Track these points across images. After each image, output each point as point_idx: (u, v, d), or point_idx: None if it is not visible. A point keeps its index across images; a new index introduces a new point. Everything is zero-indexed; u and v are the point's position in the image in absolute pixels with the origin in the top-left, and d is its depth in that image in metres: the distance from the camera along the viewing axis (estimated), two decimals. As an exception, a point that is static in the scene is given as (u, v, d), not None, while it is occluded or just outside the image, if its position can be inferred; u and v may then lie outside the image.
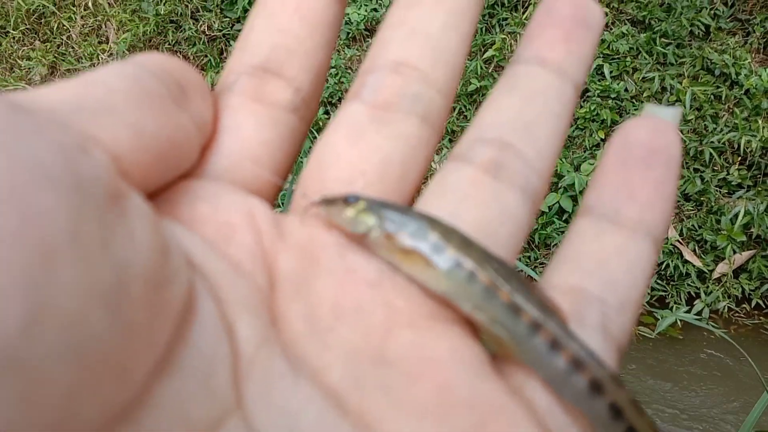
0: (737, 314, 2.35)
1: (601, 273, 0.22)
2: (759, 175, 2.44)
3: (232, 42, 2.69)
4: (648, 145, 0.23)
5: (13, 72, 2.83)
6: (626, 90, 2.54)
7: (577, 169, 2.31)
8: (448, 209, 0.23)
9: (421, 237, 0.21)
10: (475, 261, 0.21)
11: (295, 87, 0.24)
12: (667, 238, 2.37)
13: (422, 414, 0.19)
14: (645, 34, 2.52)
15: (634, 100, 2.52)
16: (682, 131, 2.43)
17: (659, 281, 2.39)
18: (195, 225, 0.21)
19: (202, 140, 0.22)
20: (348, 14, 2.56)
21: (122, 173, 0.17)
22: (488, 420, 0.19)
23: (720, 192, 2.44)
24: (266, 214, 0.22)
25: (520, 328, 0.20)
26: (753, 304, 2.37)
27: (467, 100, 2.46)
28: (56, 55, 2.84)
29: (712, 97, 2.50)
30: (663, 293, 2.37)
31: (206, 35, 2.72)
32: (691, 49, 2.55)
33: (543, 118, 0.24)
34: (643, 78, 2.54)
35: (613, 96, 2.52)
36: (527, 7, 2.53)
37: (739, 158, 2.45)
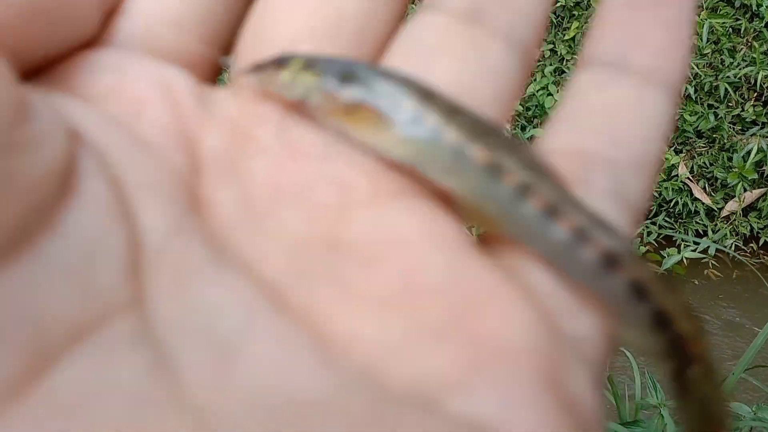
0: (743, 254, 2.32)
1: (610, 129, 0.18)
2: (775, 112, 2.38)
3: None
4: None
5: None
6: (641, 22, 2.44)
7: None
8: (413, 65, 0.18)
9: (371, 89, 0.17)
10: (440, 113, 0.17)
11: None
12: (677, 176, 2.33)
13: (383, 306, 0.15)
14: (663, -38, 2.41)
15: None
16: (697, 65, 2.35)
17: (667, 219, 2.36)
18: (96, 100, 0.17)
19: (104, 1, 0.18)
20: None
21: None
22: (470, 307, 0.15)
23: (733, 129, 2.37)
24: (187, 86, 0.18)
25: (504, 194, 0.16)
26: (761, 242, 2.34)
27: None
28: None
29: (731, 29, 2.40)
30: (671, 230, 2.34)
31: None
32: (711, -23, 2.44)
33: None
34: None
35: (627, 28, 2.42)
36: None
37: (755, 94, 2.38)
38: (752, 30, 2.39)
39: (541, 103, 2.38)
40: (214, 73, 0.20)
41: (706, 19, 2.39)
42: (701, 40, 2.39)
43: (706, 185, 2.37)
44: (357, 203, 0.16)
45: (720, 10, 2.43)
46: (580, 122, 0.18)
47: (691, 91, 2.33)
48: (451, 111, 0.16)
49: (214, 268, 0.15)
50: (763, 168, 2.30)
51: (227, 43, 0.20)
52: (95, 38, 0.18)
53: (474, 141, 0.16)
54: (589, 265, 0.15)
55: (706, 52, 2.38)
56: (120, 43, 0.18)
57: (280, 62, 0.18)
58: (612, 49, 0.19)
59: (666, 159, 2.32)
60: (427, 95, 0.17)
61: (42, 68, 0.17)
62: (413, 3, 0.22)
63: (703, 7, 2.43)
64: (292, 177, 0.17)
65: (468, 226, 0.17)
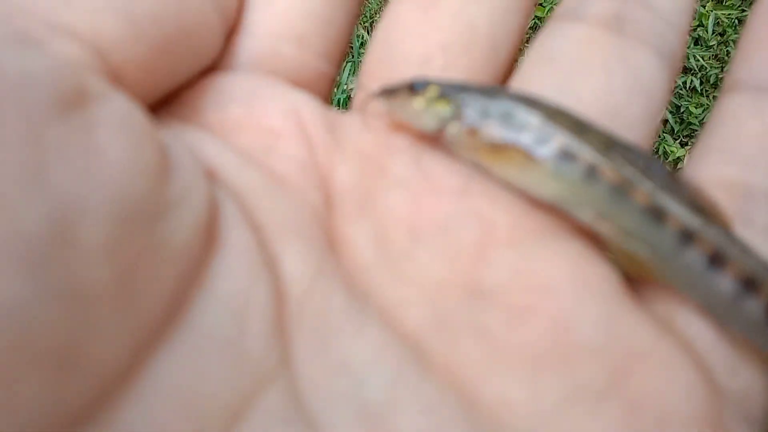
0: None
1: None
2: (780, 105, 2.37)
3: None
4: None
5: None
6: (647, 13, 2.43)
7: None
8: (556, 82, 0.17)
9: (516, 124, 0.16)
10: (595, 150, 0.15)
11: None
12: (682, 168, 2.32)
13: (534, 366, 0.14)
14: (670, -48, 2.40)
15: (654, 24, 2.41)
16: (702, 57, 2.33)
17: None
18: (226, 132, 0.16)
19: (226, 20, 0.17)
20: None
21: (109, 71, 0.13)
22: (629, 367, 0.14)
23: (738, 121, 2.37)
24: (317, 114, 0.17)
25: (665, 240, 0.15)
26: None
27: None
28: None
29: (737, 21, 2.39)
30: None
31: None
32: (718, -31, 2.43)
33: None
34: None
35: (632, 19, 2.41)
36: None
37: (761, 86, 2.37)
38: (758, 22, 2.39)
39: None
40: (329, 89, 0.19)
41: (711, 11, 2.38)
42: (707, 31, 2.38)
43: (711, 178, 2.37)
44: (499, 243, 0.16)
45: (726, 1, 2.42)
46: (735, 151, 0.17)
47: (697, 83, 2.32)
48: (608, 146, 0.16)
49: (356, 319, 0.14)
50: (768, 161, 2.30)
51: (340, 58, 0.19)
52: (217, 61, 0.17)
53: (635, 181, 0.15)
54: (757, 317, 0.15)
55: (711, 43, 2.37)
56: (243, 63, 0.17)
57: (412, 88, 0.17)
58: (765, 73, 0.18)
59: (672, 151, 2.31)
60: (579, 127, 0.16)
61: (170, 96, 0.16)
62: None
63: (708, -2, 2.42)
64: (429, 213, 0.16)
65: (618, 269, 0.16)
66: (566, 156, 0.15)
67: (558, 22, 0.19)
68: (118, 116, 0.12)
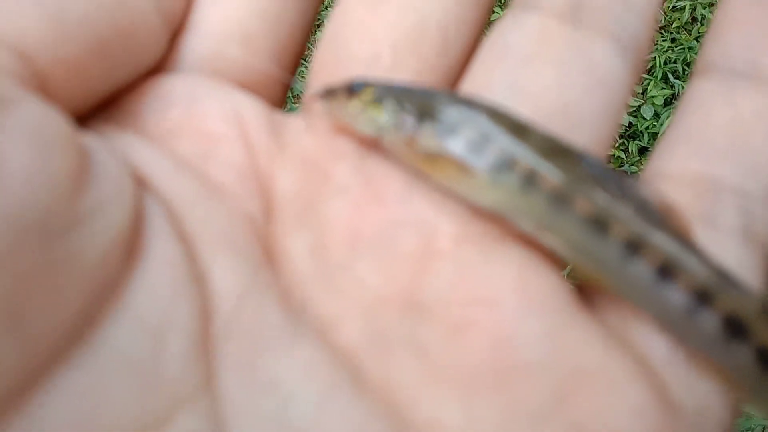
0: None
1: (738, 151, 0.15)
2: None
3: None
4: None
5: None
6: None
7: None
8: (506, 77, 0.16)
9: (451, 130, 0.15)
10: (533, 156, 0.14)
11: None
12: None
13: (471, 386, 0.13)
14: (677, -40, 2.39)
15: (662, 31, 2.39)
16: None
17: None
18: (164, 137, 0.15)
19: (169, 20, 0.16)
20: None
21: (32, 75, 0.13)
22: (573, 386, 0.13)
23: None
24: (260, 117, 0.16)
25: (610, 251, 0.14)
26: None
27: None
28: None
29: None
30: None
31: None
32: (725, -25, 2.42)
33: None
34: (673, 8, 2.41)
35: (640, 27, 2.40)
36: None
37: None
38: None
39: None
40: (283, 93, 0.18)
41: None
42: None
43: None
44: (441, 252, 0.15)
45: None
46: (702, 142, 0.16)
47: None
48: (548, 151, 0.14)
49: (289, 336, 0.13)
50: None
51: (295, 61, 0.18)
52: (163, 60, 0.17)
53: (575, 188, 0.14)
54: (711, 332, 0.14)
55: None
56: (188, 64, 0.17)
57: (351, 90, 0.16)
58: (738, 54, 0.16)
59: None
60: (518, 132, 0.15)
61: (109, 99, 0.16)
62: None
63: (717, 4, 2.40)
64: (370, 221, 0.15)
65: (571, 277, 0.15)
66: (502, 165, 0.14)
67: (514, 12, 0.17)
68: (27, 123, 0.12)
